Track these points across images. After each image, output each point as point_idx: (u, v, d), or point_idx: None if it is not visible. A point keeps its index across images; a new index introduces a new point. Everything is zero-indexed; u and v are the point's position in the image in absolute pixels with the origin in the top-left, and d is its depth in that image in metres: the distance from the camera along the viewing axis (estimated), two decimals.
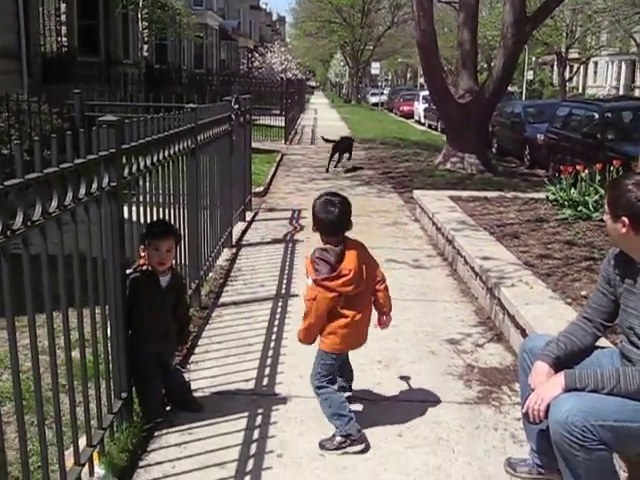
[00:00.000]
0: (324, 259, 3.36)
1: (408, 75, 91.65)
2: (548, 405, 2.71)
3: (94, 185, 2.92)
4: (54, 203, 2.48)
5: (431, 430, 3.66)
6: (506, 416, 3.83)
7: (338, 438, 3.43)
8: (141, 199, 3.85)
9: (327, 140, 15.28)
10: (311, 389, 3.90)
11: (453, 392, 4.10)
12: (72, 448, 2.86)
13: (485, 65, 42.67)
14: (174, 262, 4.11)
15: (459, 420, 3.77)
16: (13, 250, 2.26)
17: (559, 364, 2.92)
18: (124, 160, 3.38)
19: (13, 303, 2.27)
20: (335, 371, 3.59)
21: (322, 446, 3.45)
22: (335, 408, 3.48)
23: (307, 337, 3.53)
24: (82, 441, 3.00)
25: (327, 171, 13.85)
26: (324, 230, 3.44)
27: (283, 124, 20.51)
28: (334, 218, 3.38)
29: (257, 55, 47.56)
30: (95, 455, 3.07)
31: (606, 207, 2.89)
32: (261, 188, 11.07)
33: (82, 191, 2.77)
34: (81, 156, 2.77)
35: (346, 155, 14.63)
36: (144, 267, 3.56)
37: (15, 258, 2.29)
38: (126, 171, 3.42)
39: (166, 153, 4.24)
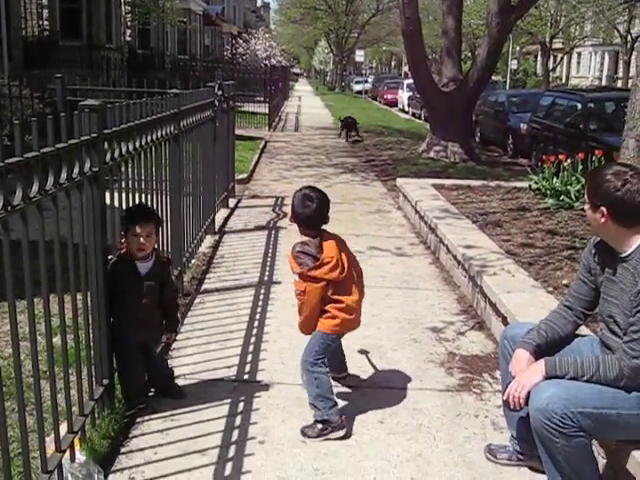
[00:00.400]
0: (305, 252, 3.47)
1: (392, 63, 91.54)
2: (528, 392, 2.74)
3: (75, 170, 2.89)
4: (35, 188, 2.46)
5: (412, 417, 3.68)
6: (487, 403, 3.86)
7: (319, 425, 3.46)
8: (123, 185, 3.82)
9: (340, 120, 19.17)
10: (292, 377, 3.95)
11: (435, 379, 4.12)
12: (53, 434, 2.85)
13: (469, 54, 42.67)
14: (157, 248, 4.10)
15: (440, 407, 3.79)
16: None
17: (540, 352, 2.95)
18: (106, 145, 3.35)
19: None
20: (330, 354, 3.63)
21: (304, 433, 3.47)
22: (322, 390, 3.50)
23: (307, 328, 3.62)
24: (63, 427, 2.99)
25: (340, 137, 18.37)
26: (302, 223, 3.55)
27: (267, 111, 20.42)
28: (311, 213, 3.49)
29: (241, 41, 47.30)
30: (76, 441, 3.05)
31: (586, 197, 2.92)
32: (244, 175, 11.03)
33: (63, 176, 2.75)
34: (62, 140, 2.74)
35: (353, 133, 18.15)
36: (123, 252, 3.53)
37: None
38: (108, 156, 3.39)
39: (149, 139, 4.21)
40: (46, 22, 20.21)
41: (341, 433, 3.46)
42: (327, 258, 3.43)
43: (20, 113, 10.04)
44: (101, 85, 12.25)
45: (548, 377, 2.73)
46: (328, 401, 3.49)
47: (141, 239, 3.48)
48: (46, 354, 2.82)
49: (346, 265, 3.51)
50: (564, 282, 5.10)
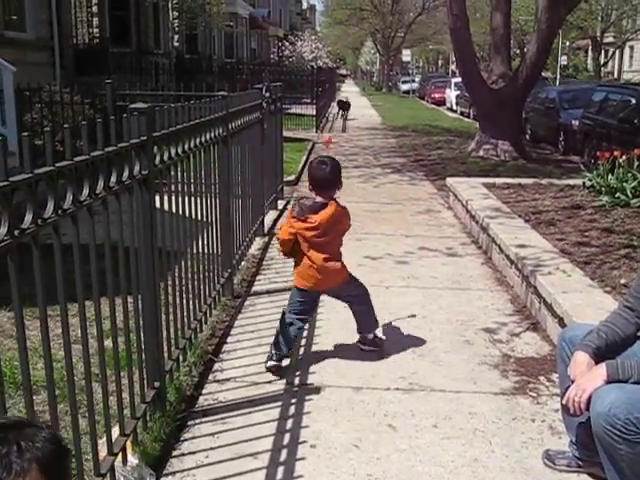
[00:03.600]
0: (300, 204, 4.09)
1: (439, 62, 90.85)
2: (589, 397, 2.64)
3: (125, 173, 2.89)
4: (85, 191, 2.46)
5: (467, 421, 3.59)
6: (544, 407, 3.75)
7: (269, 365, 4.09)
8: (173, 188, 3.83)
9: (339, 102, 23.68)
10: (344, 379, 3.94)
11: (489, 382, 4.02)
12: (105, 437, 2.85)
13: (517, 51, 42.09)
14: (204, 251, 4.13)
15: (495, 411, 3.69)
16: (47, 241, 2.25)
17: (599, 354, 2.84)
18: (155, 148, 3.36)
19: (45, 292, 2.24)
20: (306, 309, 4.23)
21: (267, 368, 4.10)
22: (283, 337, 4.10)
23: (294, 272, 4.22)
24: (115, 430, 2.99)
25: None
26: (317, 185, 4.10)
27: (314, 113, 20.42)
28: (325, 175, 4.07)
29: (287, 44, 47.37)
30: (128, 444, 3.06)
31: None
32: (292, 177, 11.03)
33: (113, 179, 2.75)
34: (112, 144, 2.75)
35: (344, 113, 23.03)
36: None
37: (46, 248, 2.27)
38: (157, 159, 3.39)
39: (197, 141, 4.20)
40: (96, 30, 20.54)
41: (277, 378, 4.03)
42: (311, 219, 4.01)
43: (71, 119, 10.19)
44: (150, 90, 12.38)
45: (610, 381, 2.62)
46: (280, 349, 4.09)
47: None
48: (98, 357, 2.82)
49: (333, 232, 4.07)
50: (622, 282, 4.94)
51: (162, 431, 3.34)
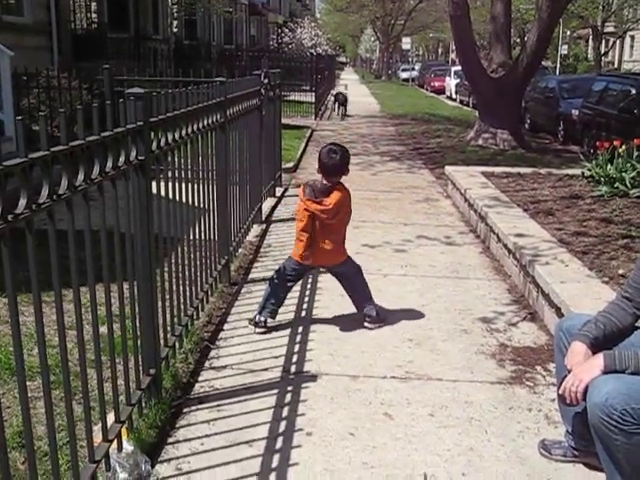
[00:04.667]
0: (311, 186, 4.38)
1: (439, 50, 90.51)
2: (586, 387, 2.63)
3: (122, 159, 2.87)
4: (80, 177, 2.43)
5: (463, 410, 3.58)
6: (540, 397, 3.74)
7: (256, 319, 4.45)
8: (170, 174, 3.80)
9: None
10: (341, 367, 3.93)
11: (486, 372, 4.01)
12: (100, 424, 2.84)
13: (518, 40, 41.92)
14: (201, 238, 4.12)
15: (492, 400, 3.69)
16: (42, 226, 2.23)
17: (597, 345, 2.83)
18: (152, 134, 3.33)
19: (39, 279, 2.23)
20: (297, 277, 4.61)
21: (250, 320, 4.51)
22: (271, 298, 4.48)
23: (298, 247, 4.44)
24: (110, 417, 2.98)
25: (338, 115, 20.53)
26: (326, 171, 4.37)
27: (313, 100, 20.36)
28: (336, 162, 4.35)
29: (287, 31, 47.16)
30: (124, 431, 3.05)
31: None
32: (291, 164, 10.99)
33: (109, 165, 2.72)
34: (108, 129, 2.72)
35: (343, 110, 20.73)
36: None
37: (41, 234, 2.25)
38: (154, 145, 3.37)
39: (195, 127, 4.17)
40: (94, 15, 20.44)
41: (260, 330, 4.45)
42: (326, 202, 4.29)
43: (69, 104, 10.13)
44: (148, 76, 12.33)
45: (607, 371, 2.61)
46: (268, 307, 4.46)
47: None
48: (93, 344, 2.81)
49: (340, 214, 4.36)
50: (620, 272, 4.93)
51: (157, 418, 3.33)
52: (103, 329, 2.95)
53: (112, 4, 21.06)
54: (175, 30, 28.49)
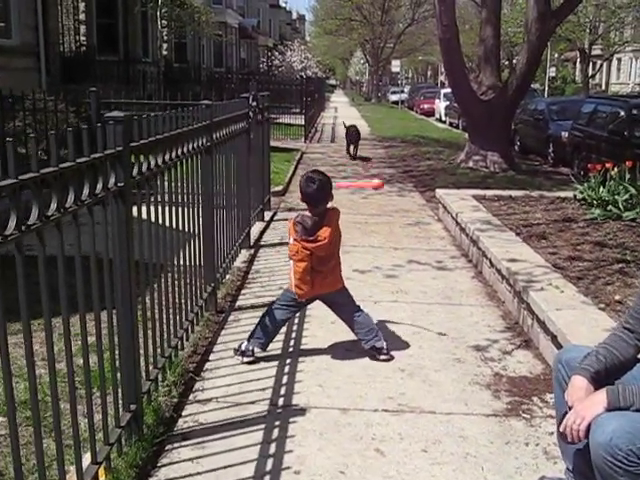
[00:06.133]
0: (302, 223, 4.18)
1: (429, 73, 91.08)
2: (588, 425, 2.49)
3: (99, 186, 2.73)
4: (53, 206, 2.30)
5: (458, 445, 3.43)
6: (537, 429, 3.60)
7: (243, 347, 4.29)
8: (152, 199, 3.66)
9: (344, 124, 16.68)
10: (330, 400, 3.78)
11: (480, 403, 3.87)
12: (75, 466, 2.67)
13: (506, 62, 42.16)
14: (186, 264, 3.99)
15: (487, 434, 3.54)
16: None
17: (598, 379, 2.70)
18: (133, 159, 3.20)
19: (3, 310, 2.08)
20: (292, 311, 4.44)
21: (235, 350, 4.34)
22: (268, 326, 4.32)
23: (303, 288, 4.23)
24: (87, 458, 2.82)
25: (351, 157, 15.51)
26: (309, 201, 4.22)
27: (303, 123, 20.32)
28: (314, 191, 4.17)
29: (277, 53, 47.35)
30: (101, 472, 2.89)
31: None
32: (280, 187, 10.88)
33: (86, 192, 2.59)
34: (85, 154, 2.59)
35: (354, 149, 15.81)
36: None
37: (9, 261, 2.11)
38: (135, 170, 3.23)
39: (179, 151, 4.05)
40: (83, 37, 20.38)
41: (248, 359, 4.29)
42: (321, 237, 4.13)
43: (55, 127, 10.01)
44: (136, 99, 12.23)
45: (611, 409, 2.47)
46: (261, 337, 4.30)
47: None
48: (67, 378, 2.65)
49: (334, 243, 4.25)
50: (616, 298, 4.81)
51: (138, 456, 3.17)
52: (81, 362, 2.80)
53: (101, 27, 21.04)
54: (165, 53, 28.48)
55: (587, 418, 2.49)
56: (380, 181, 5.11)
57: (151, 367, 3.65)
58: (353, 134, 15.49)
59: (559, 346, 4.12)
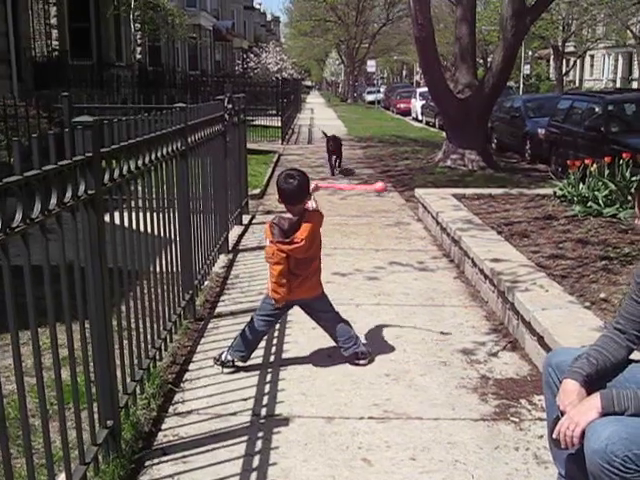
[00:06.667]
0: (279, 225, 4.05)
1: (404, 73, 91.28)
2: (582, 431, 2.41)
3: (68, 194, 2.61)
4: (18, 217, 2.18)
5: (447, 452, 3.34)
6: (527, 433, 3.52)
7: (223, 357, 4.18)
8: (126, 206, 3.54)
9: (325, 134, 14.13)
10: (314, 408, 3.70)
11: (468, 407, 3.78)
12: None
13: (481, 61, 42.31)
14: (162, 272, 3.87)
15: (476, 440, 3.45)
16: None
17: (590, 382, 2.61)
18: (104, 165, 3.07)
19: None
20: (274, 319, 4.31)
21: (215, 359, 4.23)
22: (249, 337, 4.19)
23: (278, 292, 4.07)
24: (62, 478, 2.69)
25: (331, 173, 13.06)
26: (285, 200, 4.10)
27: (279, 124, 20.20)
28: (293, 188, 4.04)
29: (252, 56, 47.16)
30: None
31: (637, 210, 2.64)
32: (258, 190, 10.76)
33: (53, 201, 2.46)
34: (52, 161, 2.46)
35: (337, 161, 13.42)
36: None
37: None
38: (107, 177, 3.11)
39: (153, 156, 3.92)
40: (55, 42, 20.13)
41: (228, 370, 4.17)
42: (297, 239, 3.98)
43: (27, 134, 9.82)
44: (110, 103, 12.04)
45: (605, 414, 2.39)
46: (243, 349, 4.17)
47: None
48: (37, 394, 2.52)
49: (314, 245, 4.11)
50: (602, 296, 4.76)
51: (116, 475, 3.04)
52: (51, 376, 2.67)
53: (74, 31, 20.79)
54: (139, 56, 28.24)
55: (581, 424, 2.41)
56: (383, 184, 4.93)
57: (128, 380, 3.52)
58: (332, 144, 13.14)
59: (546, 347, 4.05)
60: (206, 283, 5.81)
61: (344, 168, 13.67)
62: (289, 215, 4.11)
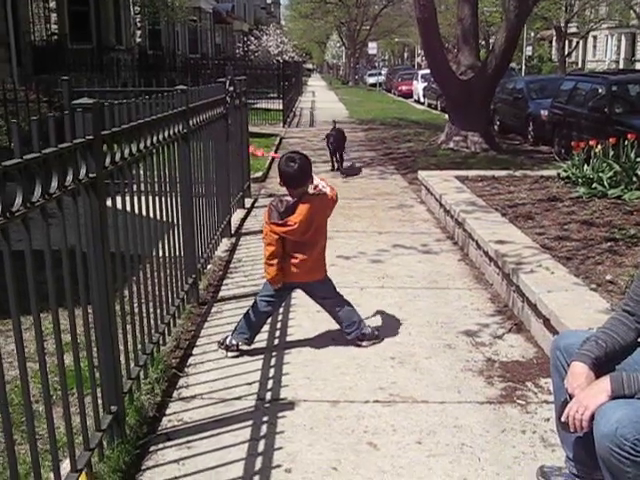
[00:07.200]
0: (276, 208, 4.06)
1: (405, 55, 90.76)
2: (592, 414, 2.38)
3: (69, 177, 2.57)
4: (19, 200, 2.14)
5: (453, 435, 3.32)
6: (533, 416, 3.50)
7: (227, 342, 4.17)
8: (128, 189, 3.50)
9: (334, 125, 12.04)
10: (319, 392, 3.67)
11: (474, 390, 3.76)
12: (53, 474, 2.53)
13: (483, 42, 42.03)
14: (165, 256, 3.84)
15: (483, 423, 3.43)
16: None
17: (599, 365, 2.58)
18: (104, 148, 3.03)
19: None
20: (276, 301, 4.30)
21: (219, 343, 4.22)
22: (253, 319, 4.18)
23: (269, 272, 4.12)
24: (65, 465, 2.68)
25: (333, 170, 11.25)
26: (286, 182, 4.08)
27: (281, 107, 20.10)
28: (294, 171, 4.02)
29: (252, 38, 46.97)
30: (82, 478, 2.74)
31: None
32: (260, 173, 10.71)
33: (54, 185, 2.42)
34: (51, 145, 2.42)
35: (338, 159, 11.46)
36: None
37: None
38: (108, 160, 3.07)
39: (154, 139, 3.87)
40: (55, 26, 20.03)
41: (233, 354, 4.16)
42: (291, 221, 3.98)
43: (27, 118, 9.75)
44: (110, 87, 11.95)
45: (615, 397, 2.37)
46: (247, 331, 4.17)
47: None
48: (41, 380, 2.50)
49: (312, 228, 4.05)
50: (608, 278, 4.72)
51: (121, 460, 3.02)
52: (56, 361, 2.65)
53: (73, 15, 20.66)
54: (139, 40, 28.12)
55: (590, 407, 2.38)
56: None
57: (132, 365, 3.51)
58: (333, 140, 11.20)
59: (552, 329, 4.02)
60: (209, 267, 5.78)
61: (348, 167, 11.69)
62: (288, 198, 4.10)
